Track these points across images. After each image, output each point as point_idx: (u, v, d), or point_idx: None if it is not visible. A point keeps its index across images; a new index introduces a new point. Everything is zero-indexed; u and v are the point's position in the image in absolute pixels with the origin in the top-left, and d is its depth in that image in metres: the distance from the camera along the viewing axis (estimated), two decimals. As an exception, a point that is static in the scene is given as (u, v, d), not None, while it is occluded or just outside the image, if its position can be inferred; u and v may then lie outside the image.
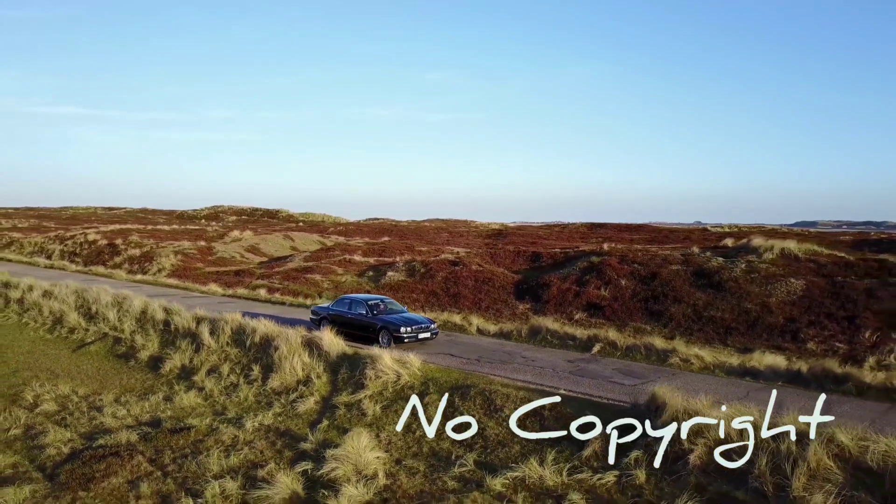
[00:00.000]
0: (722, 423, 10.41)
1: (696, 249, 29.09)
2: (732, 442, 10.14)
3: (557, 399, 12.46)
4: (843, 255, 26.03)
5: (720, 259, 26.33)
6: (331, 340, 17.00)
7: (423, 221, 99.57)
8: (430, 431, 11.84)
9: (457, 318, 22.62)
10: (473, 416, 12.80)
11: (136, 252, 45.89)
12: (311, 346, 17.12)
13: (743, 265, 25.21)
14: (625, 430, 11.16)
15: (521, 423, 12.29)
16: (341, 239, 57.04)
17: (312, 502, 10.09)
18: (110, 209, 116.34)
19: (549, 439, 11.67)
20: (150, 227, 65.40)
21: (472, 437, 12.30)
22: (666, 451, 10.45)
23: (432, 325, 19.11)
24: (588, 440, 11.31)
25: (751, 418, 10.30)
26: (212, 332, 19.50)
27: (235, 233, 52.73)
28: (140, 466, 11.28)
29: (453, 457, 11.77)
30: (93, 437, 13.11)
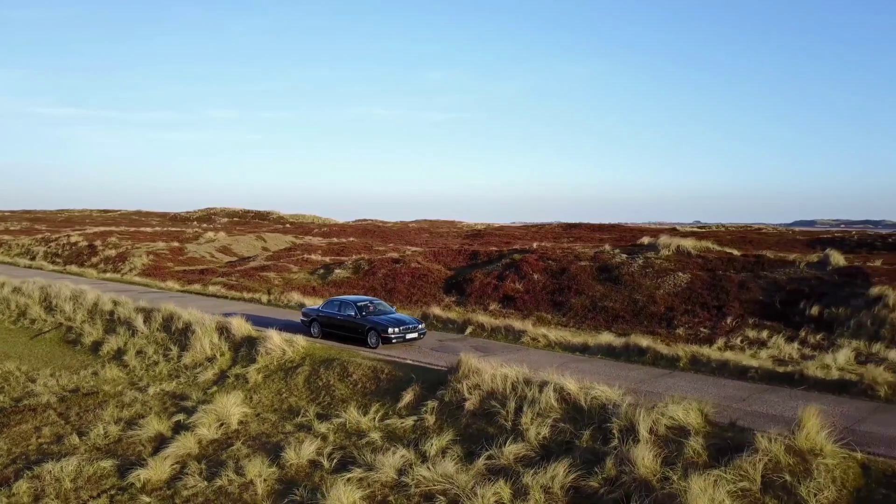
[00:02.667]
0: (500, 378, 13.65)
1: (607, 247, 32.22)
2: (498, 393, 13.38)
3: (392, 366, 15.75)
4: (730, 251, 29.09)
5: (624, 256, 29.47)
6: (238, 325, 20.31)
7: (411, 222, 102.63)
8: (292, 391, 15.18)
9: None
10: (329, 380, 16.12)
11: (112, 252, 49.44)
12: (223, 330, 20.43)
13: (641, 261, 28.35)
14: (434, 386, 14.47)
15: (363, 384, 15.63)
16: (315, 240, 60.34)
17: (172, 439, 13.37)
18: (105, 211, 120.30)
19: (379, 395, 14.96)
20: (133, 228, 69.00)
21: (323, 395, 15.62)
22: (450, 400, 13.73)
23: (420, 326, 19.62)
24: (403, 394, 14.58)
25: (519, 375, 13.54)
26: (146, 321, 22.87)
27: (210, 234, 56.21)
28: (49, 418, 14.65)
29: (302, 410, 15.05)
30: (20, 399, 16.49)
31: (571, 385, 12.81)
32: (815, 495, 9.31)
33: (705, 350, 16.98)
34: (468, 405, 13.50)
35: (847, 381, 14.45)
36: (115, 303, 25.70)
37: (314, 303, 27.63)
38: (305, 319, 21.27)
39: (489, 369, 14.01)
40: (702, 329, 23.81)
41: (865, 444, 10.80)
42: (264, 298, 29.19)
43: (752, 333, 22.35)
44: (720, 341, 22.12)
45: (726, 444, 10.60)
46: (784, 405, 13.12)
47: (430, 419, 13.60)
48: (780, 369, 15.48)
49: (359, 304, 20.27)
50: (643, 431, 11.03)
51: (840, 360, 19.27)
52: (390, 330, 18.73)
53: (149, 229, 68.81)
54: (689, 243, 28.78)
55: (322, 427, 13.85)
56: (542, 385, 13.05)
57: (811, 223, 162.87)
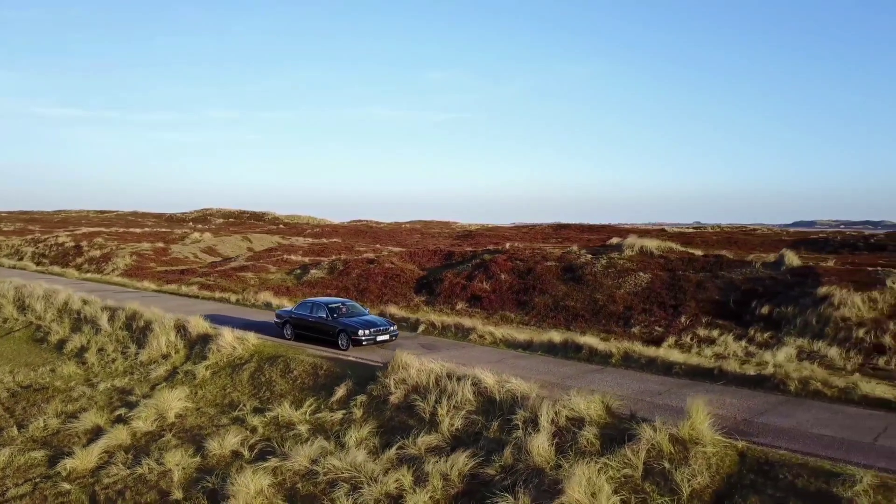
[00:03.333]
0: (425, 373, 14.28)
1: (575, 248, 32.82)
2: (422, 387, 14.02)
3: (332, 362, 16.39)
4: (692, 251, 29.66)
5: (589, 256, 30.07)
6: (196, 323, 20.97)
7: (405, 223, 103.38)
8: (236, 387, 15.83)
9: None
10: (272, 376, 16.78)
11: (97, 253, 50.24)
12: (181, 328, 21.10)
13: (604, 261, 28.95)
14: (366, 382, 15.12)
15: (302, 380, 16.29)
16: (300, 240, 61.00)
17: (107, 432, 14.03)
18: (102, 212, 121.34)
19: (315, 390, 15.61)
20: (123, 229, 69.82)
21: (264, 390, 16.28)
22: (378, 394, 14.37)
23: (391, 328, 19.63)
24: (337, 389, 15.23)
25: (443, 370, 14.17)
26: (111, 319, 23.57)
27: (196, 235, 56.97)
28: (-5, 411, 15.34)
29: (241, 405, 15.70)
30: (-26, 393, 17.20)
31: (489, 379, 13.43)
32: (689, 481, 9.91)
33: (637, 346, 17.55)
34: (393, 399, 14.13)
35: (764, 376, 15.03)
36: (85, 302, 26.41)
37: (281, 303, 28.32)
38: (279, 321, 21.22)
39: (417, 365, 14.64)
40: (656, 328, 24.40)
41: (756, 434, 11.40)
42: (233, 298, 29.87)
43: (703, 332, 22.94)
44: (671, 339, 22.74)
45: (620, 433, 11.20)
46: (696, 399, 13.69)
47: (358, 412, 14.24)
48: (706, 365, 16.05)
49: (330, 305, 20.20)
50: (544, 422, 11.65)
51: (780, 357, 19.87)
52: (360, 332, 18.67)
53: (138, 230, 69.64)
54: (652, 244, 29.37)
55: (255, 420, 14.51)
56: (462, 379, 13.68)
57: (811, 224, 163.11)
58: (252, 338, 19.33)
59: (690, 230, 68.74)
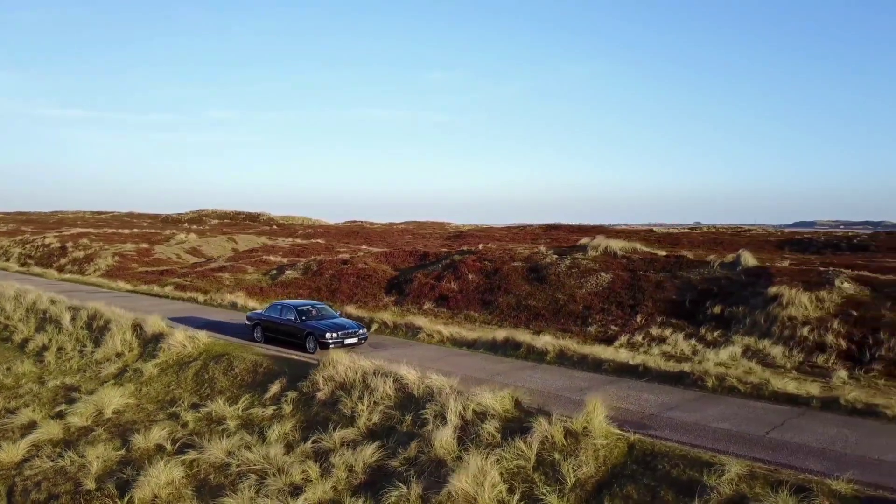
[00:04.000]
0: (353, 370, 14.79)
1: (542, 248, 33.28)
2: (348, 384, 14.52)
3: (272, 360, 16.92)
4: (655, 252, 30.09)
5: (555, 256, 30.53)
6: (153, 322, 21.52)
7: (400, 224, 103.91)
8: (180, 384, 16.36)
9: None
10: (215, 374, 17.31)
11: (81, 254, 50.90)
12: (137, 327, 21.64)
13: (568, 261, 29.41)
14: (300, 379, 15.63)
15: (242, 377, 16.81)
16: (287, 241, 61.55)
17: (40, 427, 14.58)
18: (98, 213, 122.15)
19: (253, 387, 16.14)
20: (112, 230, 70.52)
21: (205, 387, 16.81)
22: (307, 391, 14.89)
23: (361, 331, 19.48)
24: (271, 386, 15.75)
25: (370, 367, 14.68)
26: (73, 318, 24.14)
27: (182, 235, 57.64)
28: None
29: (180, 401, 16.23)
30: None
31: (411, 376, 13.93)
32: (575, 471, 10.40)
33: (572, 344, 18.08)
34: (320, 395, 14.64)
35: (685, 373, 15.48)
36: (53, 302, 26.99)
37: (247, 304, 28.89)
38: (249, 324, 21.16)
39: (347, 362, 15.15)
40: (612, 327, 24.86)
41: (659, 427, 11.88)
42: (201, 298, 30.43)
43: (656, 331, 23.39)
44: (623, 339, 23.23)
45: (523, 427, 11.68)
46: (616, 394, 14.18)
47: (287, 408, 14.76)
48: (633, 362, 16.51)
49: (299, 308, 20.12)
50: (451, 416, 12.14)
51: (723, 355, 20.39)
52: (328, 335, 18.55)
53: (127, 231, 70.33)
54: (616, 245, 29.82)
55: (189, 416, 15.04)
56: (387, 376, 14.17)
57: (811, 224, 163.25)
58: (203, 336, 19.85)
59: (679, 231, 69.06)
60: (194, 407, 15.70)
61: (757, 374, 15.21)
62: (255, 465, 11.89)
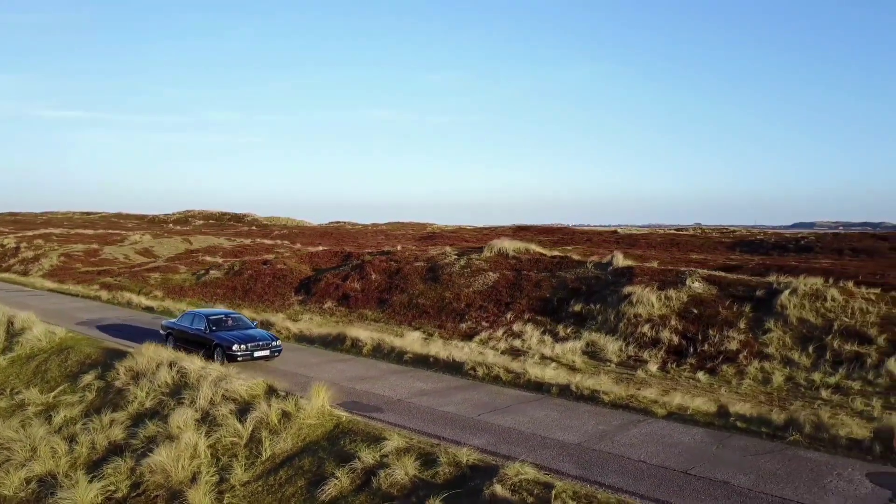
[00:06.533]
0: (149, 362, 16.24)
1: (447, 249, 34.63)
2: (143, 373, 15.98)
3: (102, 351, 18.42)
4: (542, 252, 31.32)
5: (454, 256, 31.87)
6: (26, 318, 23.08)
7: (383, 224, 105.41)
8: (20, 374, 17.89)
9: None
10: (51, 365, 18.81)
11: (31, 254, 52.78)
12: (10, 323, 23.20)
13: (463, 262, 30.73)
14: (113, 367, 17.08)
15: (72, 368, 18.29)
16: (226, 243, 63.16)
17: None
18: (87, 213, 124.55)
19: (75, 376, 17.63)
20: (74, 231, 72.55)
21: (40, 378, 18.33)
22: (111, 380, 16.37)
23: (273, 343, 18.49)
24: (85, 376, 17.23)
25: (168, 359, 16.14)
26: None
27: (136, 236, 59.47)
28: None
29: (9, 390, 17.73)
30: None
31: (193, 365, 15.36)
32: (273, 447, 11.77)
33: (387, 337, 19.42)
34: (117, 383, 16.12)
35: (460, 363, 16.81)
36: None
37: (151, 303, 30.49)
38: (163, 332, 20.69)
39: (150, 354, 16.60)
40: (483, 323, 26.19)
41: (390, 411, 13.28)
42: (104, 296, 32.04)
43: (517, 327, 24.69)
44: (485, 334, 24.59)
45: (251, 408, 13.05)
46: (393, 382, 15.54)
47: (90, 395, 16.24)
48: (426, 353, 17.82)
49: (211, 317, 19.34)
50: (201, 400, 13.56)
51: (563, 349, 21.70)
52: (235, 347, 17.67)
53: (91, 231, 72.35)
54: (509, 246, 31.11)
55: (2, 402, 16.54)
56: (175, 365, 15.61)
57: (810, 225, 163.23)
58: (60, 331, 21.40)
59: (641, 232, 69.95)
60: (14, 394, 17.21)
61: (519, 365, 16.47)
62: (12, 442, 13.38)
